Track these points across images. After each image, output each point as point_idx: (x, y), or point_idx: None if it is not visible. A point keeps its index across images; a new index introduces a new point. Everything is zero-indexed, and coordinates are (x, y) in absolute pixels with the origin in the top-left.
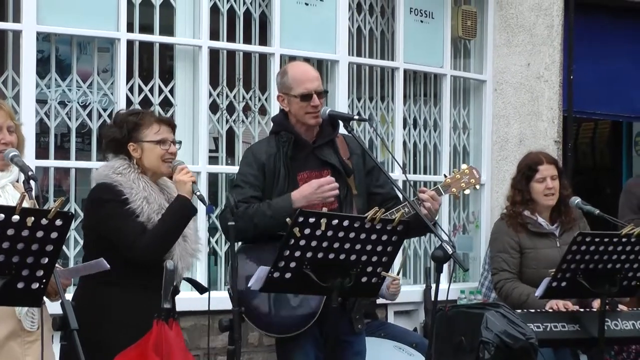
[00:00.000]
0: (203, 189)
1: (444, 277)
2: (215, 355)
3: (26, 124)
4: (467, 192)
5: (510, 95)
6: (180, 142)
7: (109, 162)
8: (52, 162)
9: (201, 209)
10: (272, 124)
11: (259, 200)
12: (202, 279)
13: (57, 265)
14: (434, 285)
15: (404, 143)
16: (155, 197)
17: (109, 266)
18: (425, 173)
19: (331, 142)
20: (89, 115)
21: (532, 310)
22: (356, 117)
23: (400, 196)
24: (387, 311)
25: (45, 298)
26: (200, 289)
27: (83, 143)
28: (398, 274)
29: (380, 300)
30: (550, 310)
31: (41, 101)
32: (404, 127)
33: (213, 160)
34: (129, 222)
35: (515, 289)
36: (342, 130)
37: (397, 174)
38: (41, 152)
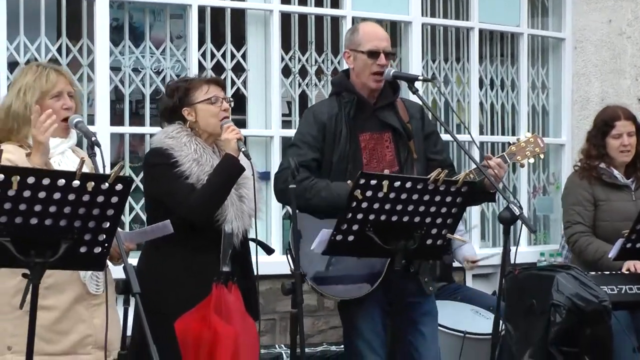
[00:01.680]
0: (276, 152)
1: (523, 239)
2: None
3: (101, 92)
4: (531, 160)
5: (591, 53)
6: (232, 100)
7: (164, 128)
8: (127, 129)
9: None
10: (332, 85)
11: (318, 162)
12: (277, 242)
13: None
14: (513, 248)
15: (481, 104)
16: (208, 159)
17: (172, 230)
18: (503, 134)
19: (392, 104)
20: (163, 81)
21: (607, 273)
22: (420, 77)
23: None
24: (464, 274)
25: (108, 262)
26: (267, 249)
27: (157, 109)
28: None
29: (457, 263)
30: (627, 272)
31: (115, 68)
32: (481, 88)
33: (286, 124)
34: (177, 184)
35: (590, 245)
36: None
37: (474, 136)
38: (116, 119)
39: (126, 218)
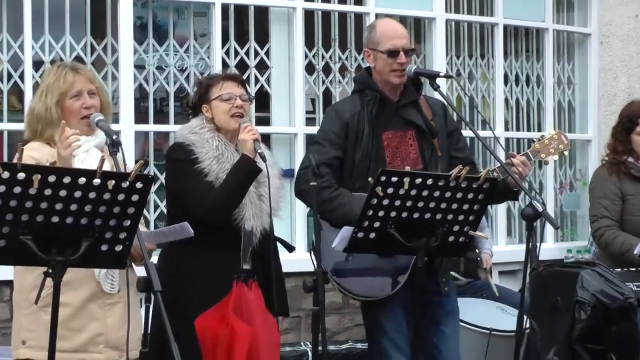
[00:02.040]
0: (300, 150)
1: (550, 236)
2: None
3: (125, 90)
4: (555, 157)
5: (618, 48)
6: (251, 98)
7: (188, 122)
8: (151, 127)
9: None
10: (354, 83)
11: (340, 160)
12: (301, 240)
13: (142, 228)
14: (538, 244)
15: (506, 100)
16: (229, 156)
17: (193, 232)
18: (528, 130)
19: (415, 102)
20: (187, 79)
21: (632, 269)
22: (442, 73)
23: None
24: (491, 271)
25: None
26: (288, 247)
27: (181, 107)
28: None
29: None
30: None
31: (140, 67)
32: (506, 84)
33: (310, 121)
34: (195, 182)
35: (616, 238)
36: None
37: (499, 132)
38: (140, 117)
39: (151, 216)
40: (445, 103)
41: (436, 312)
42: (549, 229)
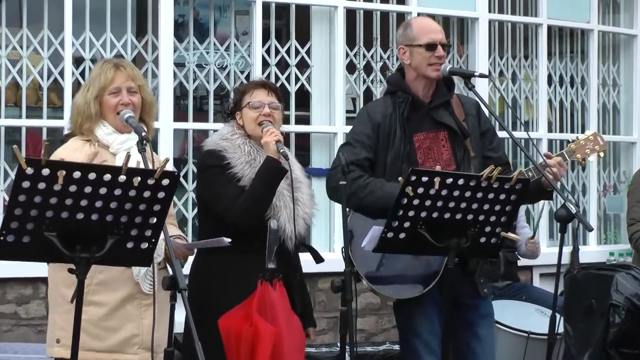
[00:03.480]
0: None
1: (593, 239)
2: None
3: (165, 88)
4: (591, 158)
5: None
6: (279, 106)
7: (220, 129)
8: (190, 125)
9: None
10: (387, 84)
11: (370, 161)
12: (340, 241)
13: (182, 239)
14: (581, 247)
15: (550, 101)
16: (260, 161)
17: (228, 243)
18: (572, 131)
19: (447, 103)
20: (227, 77)
21: None
22: (477, 73)
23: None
24: (532, 273)
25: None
26: (317, 258)
27: (221, 105)
28: (533, 236)
29: (524, 262)
30: None
31: (180, 64)
32: (549, 85)
33: (350, 121)
34: (227, 187)
35: None
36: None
37: (541, 133)
38: (180, 114)
39: (189, 214)
40: (479, 102)
41: (471, 314)
42: (594, 231)
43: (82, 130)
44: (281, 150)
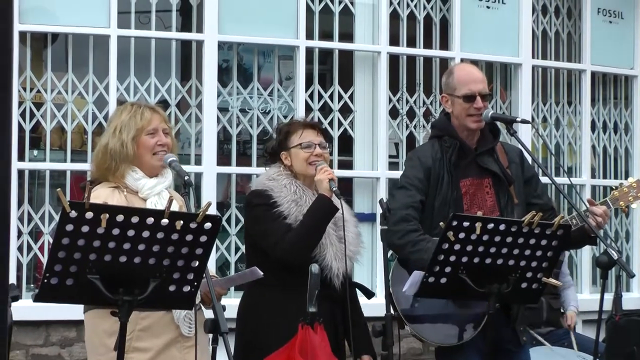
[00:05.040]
0: (382, 194)
1: (636, 285)
2: None
3: (208, 132)
4: (634, 206)
5: None
6: (328, 145)
7: (266, 170)
8: (234, 169)
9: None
10: (432, 129)
11: (424, 205)
12: (382, 284)
13: (213, 275)
14: (624, 294)
15: (593, 147)
16: (307, 200)
17: (262, 274)
18: (615, 177)
19: (491, 149)
20: (270, 122)
21: None
22: (519, 119)
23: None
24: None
25: (201, 305)
26: (367, 293)
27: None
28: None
29: None
30: None
31: (223, 109)
32: (593, 131)
33: (393, 165)
34: (274, 224)
35: None
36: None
37: (584, 179)
38: (223, 159)
39: (231, 258)
40: (522, 149)
41: None
42: (636, 278)
43: (114, 175)
44: (334, 189)
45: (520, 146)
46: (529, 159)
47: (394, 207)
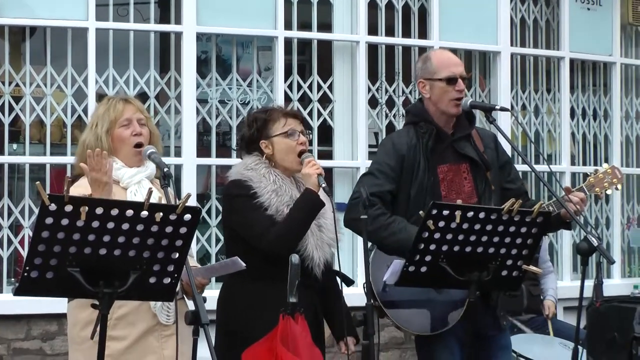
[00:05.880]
0: None
1: (617, 271)
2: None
3: (187, 124)
4: (609, 192)
5: None
6: (310, 132)
7: (242, 159)
8: (213, 160)
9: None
10: (407, 115)
11: (392, 194)
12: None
13: (195, 264)
14: (605, 280)
15: (573, 134)
16: (287, 189)
17: (244, 265)
18: (595, 164)
19: (468, 135)
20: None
21: None
22: (498, 107)
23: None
24: (556, 307)
25: (183, 296)
26: (347, 281)
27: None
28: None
29: None
30: None
31: (202, 101)
32: (572, 118)
33: (373, 155)
34: (256, 215)
35: None
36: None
37: (564, 166)
38: (203, 150)
39: (212, 249)
40: (497, 135)
41: (490, 347)
42: (617, 264)
43: None
44: (323, 185)
45: (499, 134)
46: (508, 146)
47: (357, 195)
